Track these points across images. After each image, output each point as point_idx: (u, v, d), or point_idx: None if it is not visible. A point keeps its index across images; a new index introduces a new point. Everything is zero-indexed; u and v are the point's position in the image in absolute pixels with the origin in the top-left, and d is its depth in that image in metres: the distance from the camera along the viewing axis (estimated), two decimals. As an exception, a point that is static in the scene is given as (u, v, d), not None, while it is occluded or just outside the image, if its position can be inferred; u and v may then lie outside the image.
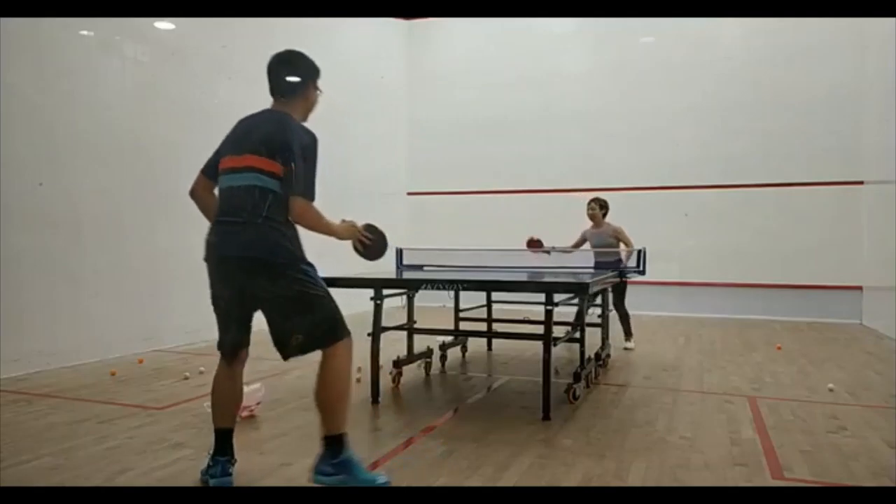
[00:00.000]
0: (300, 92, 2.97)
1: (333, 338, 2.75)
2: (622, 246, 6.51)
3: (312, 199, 2.77)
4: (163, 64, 6.47)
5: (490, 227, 10.13)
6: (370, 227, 3.04)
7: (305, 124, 2.92)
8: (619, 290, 6.49)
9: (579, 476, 3.02)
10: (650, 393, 4.74)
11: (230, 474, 2.82)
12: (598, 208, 6.68)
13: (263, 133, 2.79)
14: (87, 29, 5.80)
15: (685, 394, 4.73)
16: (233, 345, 2.90)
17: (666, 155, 9.79)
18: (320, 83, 3.07)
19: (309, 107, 3.03)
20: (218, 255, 2.77)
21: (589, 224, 6.74)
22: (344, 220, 3.00)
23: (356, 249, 3.02)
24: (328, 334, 2.75)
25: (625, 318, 6.65)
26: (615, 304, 6.47)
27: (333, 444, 2.74)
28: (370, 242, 3.01)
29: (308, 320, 2.73)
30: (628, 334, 6.69)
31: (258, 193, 2.70)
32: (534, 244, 6.29)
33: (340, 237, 2.95)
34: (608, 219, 6.69)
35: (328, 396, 2.75)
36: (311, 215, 2.76)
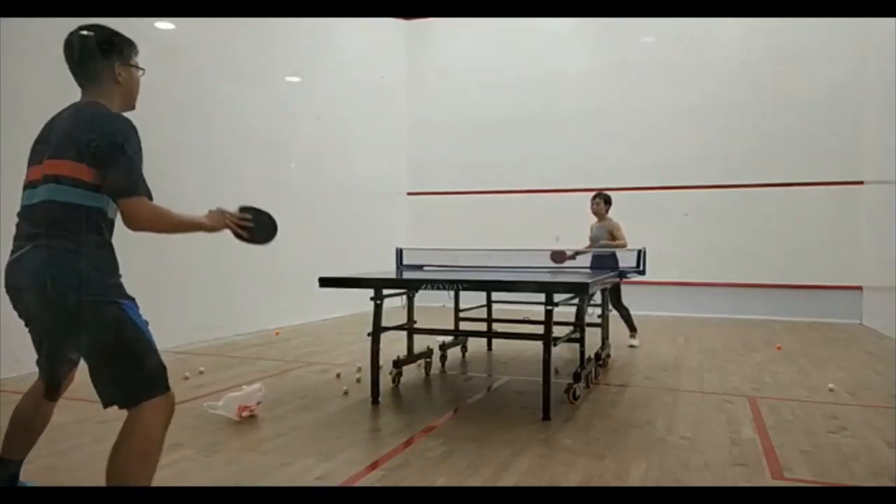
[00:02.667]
0: (105, 75, 2.34)
1: (140, 395, 2.16)
2: (612, 242, 6.57)
3: (148, 196, 2.23)
4: (163, 64, 6.47)
5: (490, 227, 10.14)
6: (246, 209, 2.57)
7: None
8: (615, 289, 6.51)
9: (579, 476, 3.02)
10: (650, 393, 4.74)
11: None
12: (603, 203, 6.79)
13: (65, 131, 2.23)
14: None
15: (685, 394, 4.73)
16: (49, 376, 2.50)
17: (666, 155, 9.79)
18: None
19: (127, 91, 2.40)
20: (9, 286, 2.24)
21: (593, 220, 6.84)
22: (211, 211, 2.49)
23: (238, 237, 2.54)
24: (134, 390, 2.17)
25: (626, 317, 6.69)
26: (613, 304, 6.49)
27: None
28: (251, 224, 2.54)
29: (113, 371, 2.18)
30: (632, 330, 6.74)
31: (57, 208, 2.17)
32: (558, 256, 6.31)
33: (210, 229, 2.45)
34: (610, 214, 6.80)
35: (123, 466, 2.15)
36: (155, 215, 2.22)
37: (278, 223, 2.65)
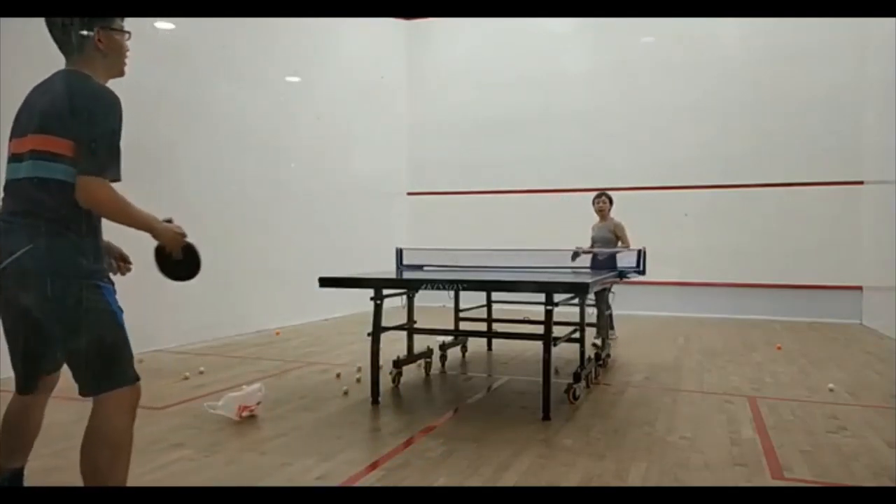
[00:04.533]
0: (86, 41, 2.25)
1: (110, 383, 2.13)
2: (619, 244, 6.58)
3: (113, 177, 2.14)
4: (163, 64, 6.47)
5: (490, 227, 10.14)
6: (190, 249, 2.42)
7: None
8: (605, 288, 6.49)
9: (579, 476, 3.02)
10: (650, 393, 4.74)
11: None
12: (609, 202, 6.84)
13: (46, 102, 2.16)
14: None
15: (685, 394, 4.73)
16: (25, 377, 2.33)
17: (666, 155, 9.79)
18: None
19: (112, 59, 2.31)
20: None
21: (595, 220, 6.86)
22: (169, 221, 2.40)
23: (159, 257, 2.42)
24: (105, 377, 2.13)
25: (608, 317, 6.59)
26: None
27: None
28: (180, 258, 2.41)
29: (87, 356, 2.13)
30: (604, 332, 6.42)
31: (40, 185, 2.11)
32: (576, 257, 6.36)
33: (156, 235, 2.33)
34: (612, 213, 6.82)
35: (94, 459, 2.11)
36: (106, 199, 2.11)
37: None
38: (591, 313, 6.06)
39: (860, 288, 8.80)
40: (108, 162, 2.13)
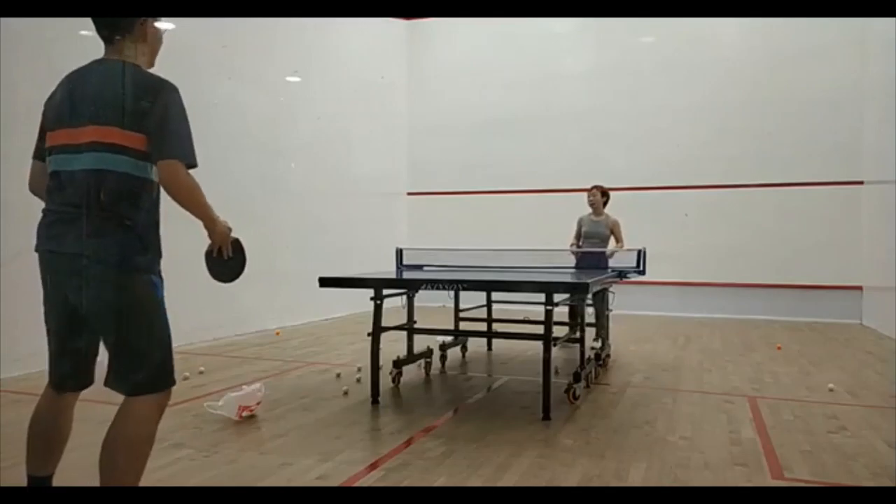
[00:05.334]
0: (134, 31, 2.31)
1: (148, 387, 2.14)
2: (612, 243, 6.46)
3: (191, 162, 2.19)
4: (163, 64, 6.46)
5: (490, 227, 10.13)
6: (238, 245, 2.46)
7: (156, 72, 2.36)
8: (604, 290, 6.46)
9: (579, 476, 3.02)
10: (650, 393, 4.74)
11: None
12: (601, 195, 6.64)
13: (105, 94, 2.13)
14: (87, 29, 5.79)
15: (685, 394, 4.73)
16: (62, 375, 2.29)
17: (666, 155, 9.79)
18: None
19: (151, 48, 2.41)
20: (47, 252, 2.18)
21: (587, 212, 6.70)
22: (223, 220, 2.41)
23: (209, 258, 2.43)
24: (146, 378, 2.14)
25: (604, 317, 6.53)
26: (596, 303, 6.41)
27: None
28: (229, 258, 2.44)
29: (130, 355, 2.13)
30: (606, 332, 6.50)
31: (104, 178, 2.09)
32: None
33: (213, 229, 2.36)
34: (608, 209, 6.66)
35: (115, 460, 2.10)
36: (185, 183, 2.14)
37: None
38: (591, 313, 6.06)
39: (860, 288, 8.81)
40: (188, 147, 2.17)
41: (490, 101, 10.72)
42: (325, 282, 4.56)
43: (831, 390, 4.78)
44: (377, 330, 4.52)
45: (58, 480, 2.94)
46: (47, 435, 2.31)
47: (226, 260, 2.41)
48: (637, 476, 3.03)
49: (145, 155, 2.13)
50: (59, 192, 2.16)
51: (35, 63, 5.34)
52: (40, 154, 2.31)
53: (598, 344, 5.88)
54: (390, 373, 4.88)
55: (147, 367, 2.14)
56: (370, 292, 4.53)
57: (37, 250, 2.22)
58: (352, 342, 6.81)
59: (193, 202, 2.19)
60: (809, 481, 3.00)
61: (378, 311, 4.52)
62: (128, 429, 2.12)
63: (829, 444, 3.55)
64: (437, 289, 4.38)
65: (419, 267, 5.74)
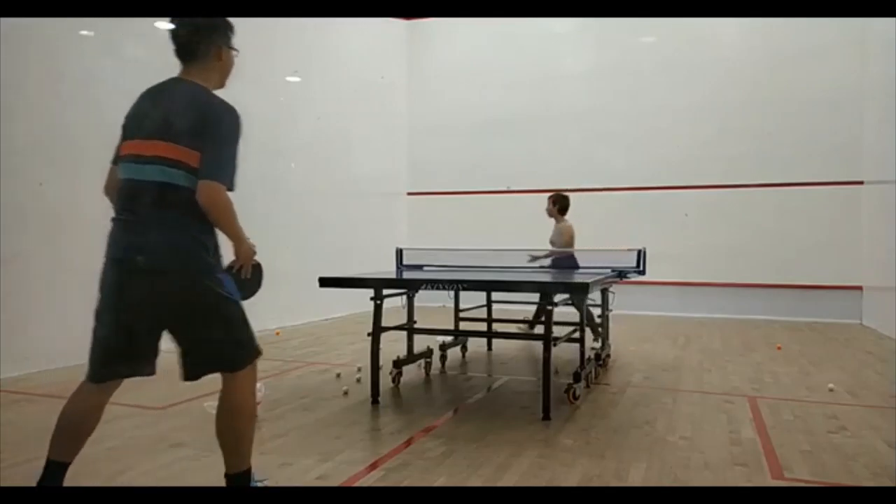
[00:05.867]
0: (213, 53, 2.54)
1: (246, 358, 2.46)
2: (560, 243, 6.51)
3: (229, 186, 2.38)
4: (163, 64, 6.46)
5: (490, 227, 10.13)
6: (258, 268, 2.64)
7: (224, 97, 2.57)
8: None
9: (579, 476, 3.02)
10: (650, 393, 4.74)
11: None
12: (552, 204, 6.73)
13: (177, 112, 2.36)
14: (87, 29, 5.80)
15: (685, 394, 4.74)
16: (113, 369, 2.44)
17: (666, 155, 9.79)
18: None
19: (224, 71, 2.63)
20: (114, 258, 2.38)
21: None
22: (252, 244, 2.60)
23: (228, 273, 2.53)
24: (239, 356, 2.45)
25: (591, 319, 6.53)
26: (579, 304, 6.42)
27: (238, 482, 2.48)
28: (248, 277, 2.59)
29: (221, 338, 2.41)
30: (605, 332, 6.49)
31: (167, 188, 2.32)
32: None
33: (239, 248, 2.53)
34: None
35: (233, 427, 2.45)
36: (223, 204, 2.34)
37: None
38: (592, 313, 6.06)
39: (860, 288, 8.80)
40: (230, 172, 2.40)
41: (490, 101, 10.71)
42: (325, 282, 4.56)
43: (831, 390, 4.78)
44: (377, 330, 4.52)
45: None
46: (79, 427, 2.45)
47: (243, 279, 2.58)
48: (637, 476, 3.03)
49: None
50: (128, 200, 2.37)
51: (35, 63, 5.34)
52: (116, 159, 2.50)
53: (598, 344, 5.90)
54: (390, 373, 4.88)
55: (237, 347, 2.44)
56: (370, 292, 4.53)
57: (106, 256, 2.41)
58: (352, 342, 6.81)
59: (227, 222, 2.41)
60: (809, 481, 3.00)
61: (378, 311, 4.52)
62: (239, 399, 2.44)
63: (829, 444, 3.55)
64: (437, 289, 4.38)
65: (419, 267, 5.74)
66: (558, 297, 4.49)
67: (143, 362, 2.46)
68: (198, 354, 2.41)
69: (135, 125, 2.43)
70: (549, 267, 6.26)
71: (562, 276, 5.27)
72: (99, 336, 2.41)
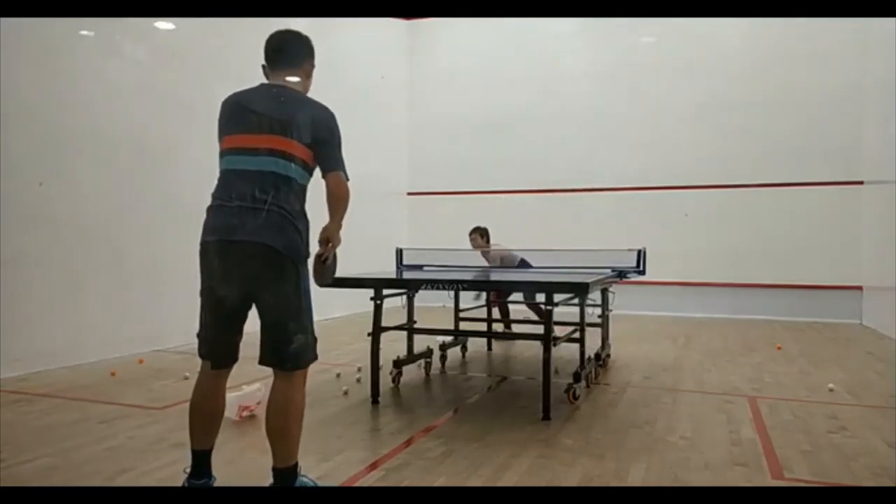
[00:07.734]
0: (305, 67, 2.84)
1: (308, 358, 2.60)
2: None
3: (348, 177, 2.66)
4: (163, 64, 6.46)
5: (490, 227, 10.11)
6: (335, 258, 2.79)
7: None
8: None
9: (579, 476, 3.02)
10: (650, 393, 4.74)
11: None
12: (479, 237, 6.99)
13: (282, 112, 2.60)
14: (87, 29, 5.80)
15: (685, 394, 4.74)
16: (219, 354, 2.66)
17: (666, 155, 9.79)
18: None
19: (308, 83, 2.91)
20: (220, 241, 2.53)
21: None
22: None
23: (317, 261, 2.72)
24: (304, 354, 2.57)
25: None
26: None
27: (287, 476, 2.56)
28: (328, 263, 2.74)
29: (295, 331, 2.54)
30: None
31: (275, 179, 2.52)
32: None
33: (336, 234, 2.69)
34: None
35: (285, 424, 2.53)
36: (346, 192, 2.62)
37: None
38: (592, 313, 6.05)
39: (860, 288, 8.80)
40: (344, 164, 2.65)
41: (490, 101, 10.71)
42: (325, 282, 4.55)
43: (831, 390, 4.78)
44: (377, 330, 4.52)
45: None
46: (211, 412, 2.64)
47: (326, 266, 2.72)
48: (637, 476, 3.03)
49: (307, 165, 2.59)
50: (232, 187, 2.54)
51: (35, 63, 5.33)
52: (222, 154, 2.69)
53: (606, 342, 5.97)
54: (390, 373, 4.88)
55: (307, 343, 2.57)
56: (370, 292, 4.53)
57: (203, 241, 2.58)
58: (352, 342, 6.81)
59: (344, 208, 2.63)
60: (809, 481, 3.00)
61: (378, 311, 4.52)
62: (294, 397, 2.53)
63: (829, 444, 3.55)
64: (437, 289, 4.39)
65: (419, 267, 5.74)
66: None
67: (236, 345, 2.66)
68: (268, 340, 2.53)
69: (239, 122, 2.60)
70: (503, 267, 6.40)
71: (564, 277, 5.26)
72: (206, 322, 2.61)
